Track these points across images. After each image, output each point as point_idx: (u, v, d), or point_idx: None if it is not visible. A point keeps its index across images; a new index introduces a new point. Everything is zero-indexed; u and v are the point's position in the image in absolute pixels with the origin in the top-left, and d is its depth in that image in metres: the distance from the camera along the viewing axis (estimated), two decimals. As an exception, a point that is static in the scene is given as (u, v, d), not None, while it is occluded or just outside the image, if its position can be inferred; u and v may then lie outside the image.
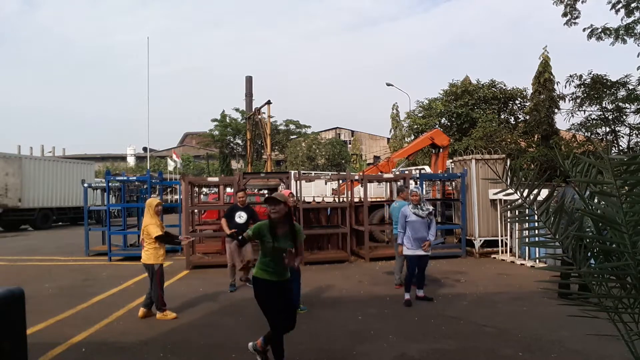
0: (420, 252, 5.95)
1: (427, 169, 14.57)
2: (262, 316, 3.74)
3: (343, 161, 40.45)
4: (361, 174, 11.33)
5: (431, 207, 6.21)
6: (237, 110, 41.47)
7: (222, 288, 6.95)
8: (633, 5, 13.60)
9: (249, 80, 43.51)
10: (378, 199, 12.31)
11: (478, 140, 19.87)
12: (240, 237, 3.85)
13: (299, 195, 9.76)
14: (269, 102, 22.75)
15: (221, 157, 41.65)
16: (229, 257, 6.96)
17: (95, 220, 18.77)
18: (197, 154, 51.64)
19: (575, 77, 16.50)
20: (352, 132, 55.51)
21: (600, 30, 14.02)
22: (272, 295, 3.67)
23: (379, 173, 13.28)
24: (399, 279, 6.92)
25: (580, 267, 2.23)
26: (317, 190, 15.50)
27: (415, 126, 24.86)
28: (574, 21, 14.65)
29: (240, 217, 6.95)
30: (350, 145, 49.74)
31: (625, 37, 13.86)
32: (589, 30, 14.15)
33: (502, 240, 9.59)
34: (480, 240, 9.72)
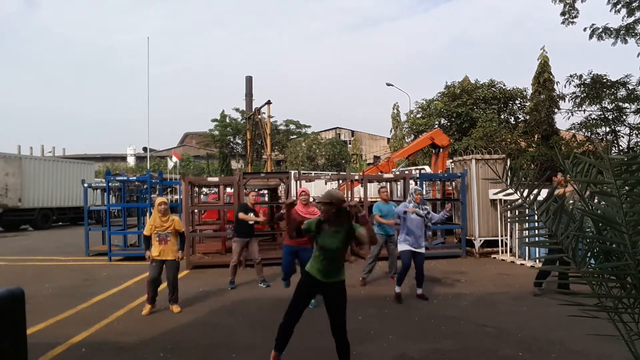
0: (414, 249, 6.18)
1: (427, 169, 14.57)
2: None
3: (343, 161, 40.43)
4: (361, 174, 11.33)
5: (429, 209, 6.75)
6: (237, 110, 41.47)
7: (222, 288, 6.96)
8: (634, 4, 13.59)
9: (249, 80, 43.50)
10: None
11: (478, 140, 19.86)
12: (298, 228, 3.79)
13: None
14: (269, 102, 22.73)
15: (221, 157, 41.62)
16: (236, 256, 7.07)
17: (95, 220, 18.76)
18: (197, 154, 51.60)
19: (575, 77, 16.52)
20: (352, 132, 55.47)
21: (601, 30, 14.03)
22: (305, 291, 3.69)
23: (379, 173, 13.29)
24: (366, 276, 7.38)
25: (580, 267, 2.23)
26: (317, 190, 15.49)
27: (415, 126, 24.86)
28: (571, 20, 14.66)
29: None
30: (350, 145, 49.70)
31: (626, 37, 13.85)
32: (590, 30, 14.16)
33: (502, 240, 9.59)
34: (480, 240, 9.72)
